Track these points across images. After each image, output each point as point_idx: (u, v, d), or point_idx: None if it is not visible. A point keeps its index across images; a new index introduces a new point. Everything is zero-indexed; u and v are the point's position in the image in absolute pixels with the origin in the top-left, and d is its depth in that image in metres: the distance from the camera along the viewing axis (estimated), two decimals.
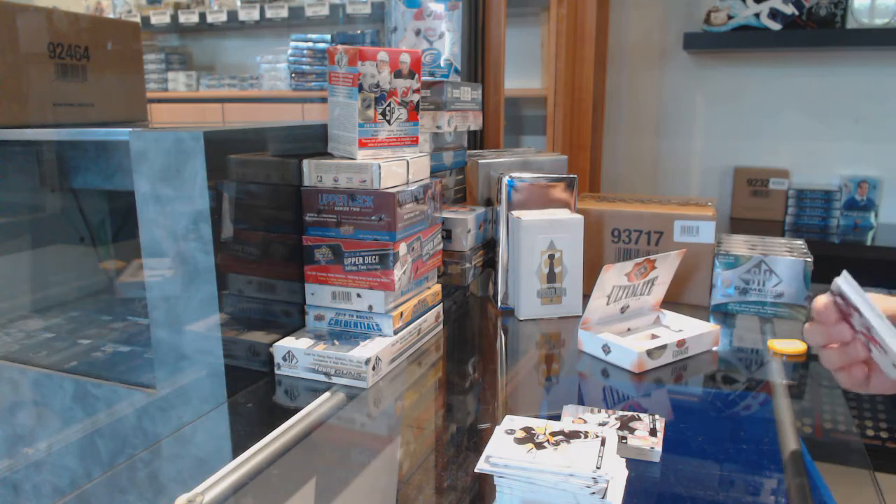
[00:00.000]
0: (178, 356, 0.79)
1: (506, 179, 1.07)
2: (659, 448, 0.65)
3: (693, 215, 1.09)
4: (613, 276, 0.89)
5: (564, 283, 1.05)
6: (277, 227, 0.85)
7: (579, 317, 1.03)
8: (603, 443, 0.55)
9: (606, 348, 0.89)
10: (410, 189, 0.87)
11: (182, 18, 3.16)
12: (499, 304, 1.10)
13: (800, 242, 1.13)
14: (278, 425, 0.71)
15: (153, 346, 0.80)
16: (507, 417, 0.59)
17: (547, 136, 2.19)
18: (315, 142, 0.92)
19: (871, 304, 0.55)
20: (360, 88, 0.84)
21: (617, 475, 0.53)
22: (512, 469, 0.52)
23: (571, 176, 1.10)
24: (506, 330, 1.05)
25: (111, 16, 3.26)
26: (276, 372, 0.85)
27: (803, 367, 0.91)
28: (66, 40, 1.03)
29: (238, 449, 0.66)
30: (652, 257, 0.93)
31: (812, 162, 2.28)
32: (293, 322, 0.90)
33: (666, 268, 0.96)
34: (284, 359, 0.84)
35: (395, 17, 1.13)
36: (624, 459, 0.57)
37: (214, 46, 3.38)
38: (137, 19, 3.20)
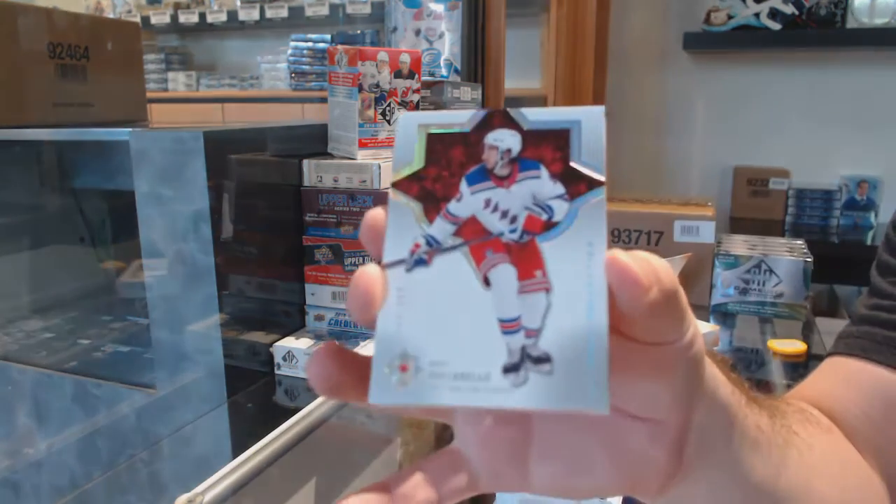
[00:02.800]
0: (178, 356, 0.79)
1: None
2: None
3: (693, 215, 1.09)
4: None
5: None
6: (277, 227, 0.85)
7: None
8: None
9: None
10: None
11: (182, 18, 3.16)
12: None
13: (800, 242, 1.13)
14: (278, 425, 0.71)
15: (153, 346, 0.80)
16: None
17: None
18: (315, 142, 0.92)
19: None
20: (360, 88, 0.84)
21: None
22: None
23: None
24: None
25: (111, 16, 3.26)
26: (276, 372, 0.85)
27: (803, 367, 0.91)
28: (66, 40, 1.03)
29: (238, 449, 0.66)
30: None
31: (812, 162, 2.28)
32: (293, 322, 0.89)
33: None
34: (284, 359, 0.84)
35: (395, 17, 1.13)
36: None
37: (214, 46, 3.38)
38: (137, 19, 3.20)
